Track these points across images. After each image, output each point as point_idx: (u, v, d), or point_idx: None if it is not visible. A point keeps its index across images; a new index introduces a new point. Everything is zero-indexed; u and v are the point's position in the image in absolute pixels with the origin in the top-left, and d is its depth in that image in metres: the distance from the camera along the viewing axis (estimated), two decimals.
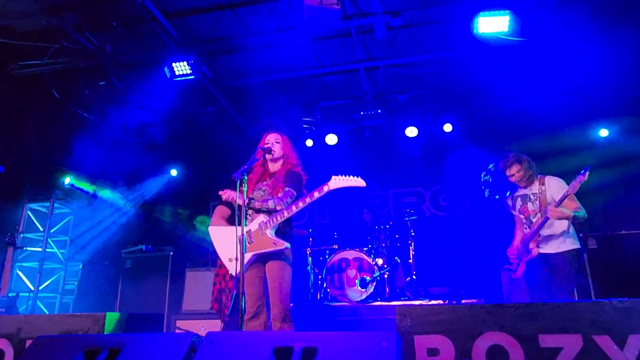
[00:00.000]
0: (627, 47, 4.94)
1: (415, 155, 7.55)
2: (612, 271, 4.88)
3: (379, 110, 6.86)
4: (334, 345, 1.95)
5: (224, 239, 3.50)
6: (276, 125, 6.99)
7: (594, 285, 4.90)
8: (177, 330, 5.73)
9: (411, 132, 7.15)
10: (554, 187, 3.77)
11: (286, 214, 3.32)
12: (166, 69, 5.57)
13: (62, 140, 6.39)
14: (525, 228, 3.90)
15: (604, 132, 6.75)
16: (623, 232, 5.17)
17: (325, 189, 3.28)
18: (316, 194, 3.28)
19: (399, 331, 2.31)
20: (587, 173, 3.38)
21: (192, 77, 5.60)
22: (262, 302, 3.46)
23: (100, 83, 6.16)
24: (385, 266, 6.13)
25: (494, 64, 5.20)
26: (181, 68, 5.57)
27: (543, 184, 3.81)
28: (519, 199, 3.96)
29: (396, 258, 6.37)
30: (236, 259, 3.04)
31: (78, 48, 5.41)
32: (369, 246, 6.34)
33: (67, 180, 6.62)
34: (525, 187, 3.93)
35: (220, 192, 3.49)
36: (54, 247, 6.94)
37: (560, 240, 3.71)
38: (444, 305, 2.35)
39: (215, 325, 5.45)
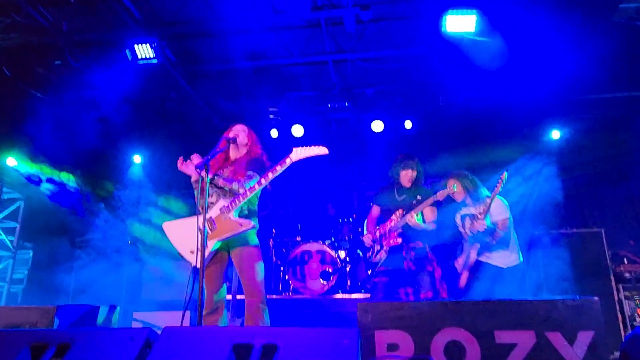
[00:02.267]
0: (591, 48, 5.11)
1: (381, 150, 7.60)
2: (564, 270, 5.10)
3: (347, 104, 6.85)
4: (294, 342, 1.93)
5: (181, 233, 3.40)
6: (243, 115, 6.90)
7: (547, 286, 5.11)
8: (134, 323, 5.59)
9: (377, 126, 7.18)
10: (495, 207, 3.89)
11: (248, 194, 3.27)
12: (127, 52, 5.32)
13: (13, 121, 6.04)
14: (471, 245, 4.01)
15: (555, 134, 6.98)
16: (575, 230, 5.40)
17: (288, 161, 3.27)
18: (279, 168, 3.26)
19: (360, 326, 2.32)
20: (505, 174, 3.60)
21: (155, 61, 5.39)
22: (221, 297, 3.40)
23: (56, 62, 5.84)
24: (348, 259, 6.19)
25: (461, 62, 5.27)
26: (144, 51, 5.34)
27: (487, 206, 3.86)
28: (467, 219, 4.05)
29: (358, 251, 6.42)
30: (197, 249, 2.97)
31: (31, 24, 5.09)
32: (332, 239, 6.38)
33: (12, 162, 6.27)
34: (469, 206, 4.06)
35: (180, 162, 3.40)
36: (2, 233, 6.60)
37: (506, 256, 3.87)
38: (405, 302, 2.38)
39: (176, 317, 5.35)
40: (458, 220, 4.14)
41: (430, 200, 3.98)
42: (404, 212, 4.02)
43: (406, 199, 4.13)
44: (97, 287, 5.91)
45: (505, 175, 3.62)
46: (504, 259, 3.86)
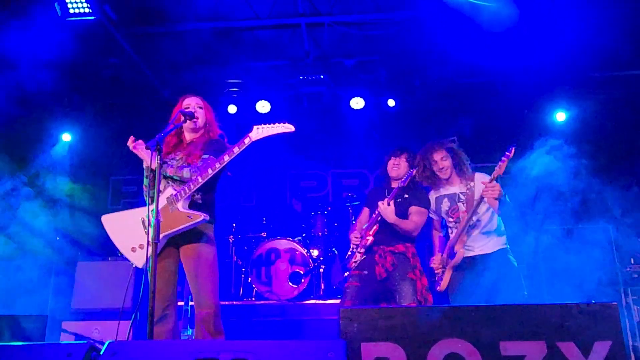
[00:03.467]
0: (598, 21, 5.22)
1: (361, 131, 7.59)
2: (566, 268, 5.24)
3: (322, 76, 6.80)
4: (268, 356, 1.88)
5: (121, 227, 3.34)
6: (198, 87, 6.74)
7: (548, 284, 5.24)
8: (62, 334, 5.43)
9: (357, 103, 7.17)
10: (479, 182, 3.89)
11: (200, 180, 3.20)
12: (57, 5, 5.13)
13: None
14: (452, 232, 3.98)
15: (561, 116, 7.16)
16: (580, 226, 5.56)
17: (247, 141, 3.24)
18: (236, 150, 3.23)
19: (343, 338, 2.29)
20: (513, 150, 3.58)
21: (92, 17, 5.20)
22: (172, 303, 3.34)
23: None
24: (321, 258, 6.18)
25: (456, 30, 5.29)
26: (76, 5, 5.17)
27: (472, 181, 3.90)
28: (446, 200, 4.07)
29: (334, 249, 6.43)
30: (148, 243, 2.87)
31: None
32: (304, 235, 6.35)
33: None
34: (448, 185, 4.05)
35: (131, 141, 3.30)
36: None
37: (492, 241, 3.89)
38: (396, 308, 2.36)
39: (112, 327, 5.22)
40: (433, 204, 4.13)
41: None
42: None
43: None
44: (17, 292, 5.69)
45: (513, 150, 3.61)
46: (489, 244, 3.89)
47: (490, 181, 3.62)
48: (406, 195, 4.07)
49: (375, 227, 4.03)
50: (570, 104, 7.02)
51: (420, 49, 6.30)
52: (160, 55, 6.65)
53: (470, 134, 6.97)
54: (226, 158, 3.21)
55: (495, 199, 3.62)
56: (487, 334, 2.27)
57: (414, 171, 3.99)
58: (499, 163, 3.60)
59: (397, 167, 4.14)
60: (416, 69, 6.83)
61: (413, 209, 4.05)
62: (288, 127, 3.33)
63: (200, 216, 3.18)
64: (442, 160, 3.98)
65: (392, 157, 4.19)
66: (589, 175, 7.22)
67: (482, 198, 3.68)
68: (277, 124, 3.32)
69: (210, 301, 3.24)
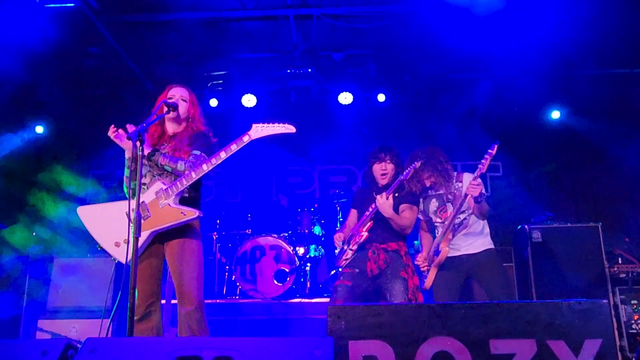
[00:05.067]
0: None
1: (349, 126, 7.58)
2: (554, 268, 5.30)
3: (309, 70, 6.76)
4: (253, 354, 1.86)
5: (102, 220, 3.27)
6: (181, 78, 6.67)
7: (535, 284, 5.29)
8: (38, 333, 5.34)
9: (345, 98, 7.15)
10: (468, 182, 3.95)
11: (194, 176, 3.17)
12: None
13: None
14: (438, 232, 4.06)
15: (555, 114, 7.24)
16: (569, 224, 5.61)
17: (246, 139, 3.23)
18: (234, 147, 3.21)
19: (330, 335, 2.28)
20: (496, 147, 3.65)
21: (71, 5, 5.12)
22: (156, 299, 3.32)
23: None
24: (308, 256, 6.17)
25: (447, 24, 5.30)
26: None
27: (460, 181, 3.97)
28: (434, 200, 4.11)
29: (320, 247, 6.42)
30: (129, 240, 2.82)
31: None
32: (289, 232, 6.33)
33: None
34: (442, 187, 4.08)
35: (112, 130, 3.25)
36: None
37: (479, 241, 3.95)
38: (385, 306, 2.35)
39: (94, 326, 5.16)
40: (421, 204, 4.17)
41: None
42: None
43: None
44: None
45: (496, 148, 3.67)
46: (476, 244, 3.94)
47: (474, 179, 3.67)
48: (396, 194, 4.07)
49: (369, 224, 4.02)
50: (565, 102, 7.09)
51: (410, 43, 6.29)
52: (143, 45, 6.57)
53: (460, 130, 7.02)
54: (223, 155, 3.18)
55: (478, 196, 3.67)
56: (477, 332, 2.27)
57: (404, 178, 3.98)
58: (482, 161, 3.66)
59: (385, 173, 4.12)
60: (406, 64, 6.84)
61: (404, 206, 4.06)
62: (289, 128, 3.32)
63: (194, 213, 3.15)
64: (427, 179, 4.04)
65: (377, 162, 4.17)
66: (578, 172, 7.34)
67: (466, 195, 3.73)
68: (277, 124, 3.30)
69: (194, 297, 3.21)
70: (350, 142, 7.67)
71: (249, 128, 3.27)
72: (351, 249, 4.06)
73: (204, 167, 3.17)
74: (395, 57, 6.71)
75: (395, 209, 3.98)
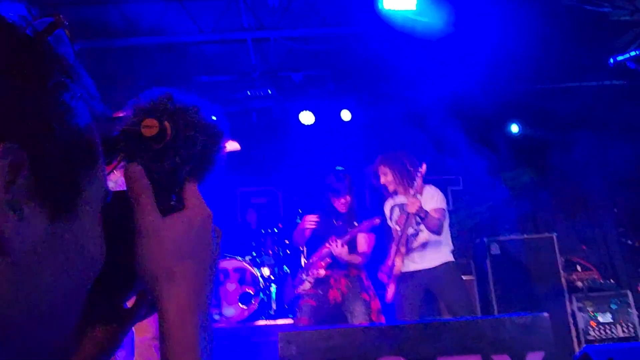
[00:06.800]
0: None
1: (312, 146, 7.63)
2: (514, 279, 5.42)
3: (269, 91, 6.81)
4: None
5: None
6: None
7: (496, 295, 5.40)
8: None
9: (306, 118, 7.21)
10: (428, 195, 4.03)
11: None
12: None
13: None
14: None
15: (514, 128, 7.44)
16: (525, 236, 5.76)
17: None
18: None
19: None
20: (424, 165, 3.82)
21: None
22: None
23: None
24: (272, 277, 6.14)
25: (403, 45, 5.42)
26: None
27: (421, 193, 4.03)
28: (397, 209, 4.18)
29: (285, 267, 6.40)
30: None
31: None
32: (254, 253, 6.29)
33: None
34: (403, 194, 4.15)
35: None
36: None
37: (436, 254, 4.02)
38: (334, 329, 2.39)
39: None
40: (387, 211, 4.22)
41: (366, 225, 4.03)
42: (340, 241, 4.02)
43: (342, 225, 4.16)
44: None
45: (424, 166, 3.79)
46: (434, 257, 4.00)
47: (412, 196, 3.77)
48: (354, 224, 4.11)
49: (327, 260, 4.04)
50: (522, 116, 7.31)
51: (367, 63, 6.42)
52: (102, 70, 6.50)
53: (423, 146, 7.13)
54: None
55: (417, 212, 3.75)
56: (425, 350, 2.33)
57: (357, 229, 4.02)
58: (416, 179, 3.78)
59: (345, 204, 4.16)
60: (364, 84, 6.95)
61: (360, 236, 4.10)
62: (233, 146, 3.32)
63: None
64: (383, 175, 4.09)
65: (335, 198, 4.19)
66: (537, 183, 7.55)
67: (408, 212, 3.83)
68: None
69: (152, 325, 3.13)
70: (315, 162, 7.72)
71: None
72: (309, 282, 4.07)
73: None
74: (353, 77, 6.82)
75: (353, 245, 4.03)
